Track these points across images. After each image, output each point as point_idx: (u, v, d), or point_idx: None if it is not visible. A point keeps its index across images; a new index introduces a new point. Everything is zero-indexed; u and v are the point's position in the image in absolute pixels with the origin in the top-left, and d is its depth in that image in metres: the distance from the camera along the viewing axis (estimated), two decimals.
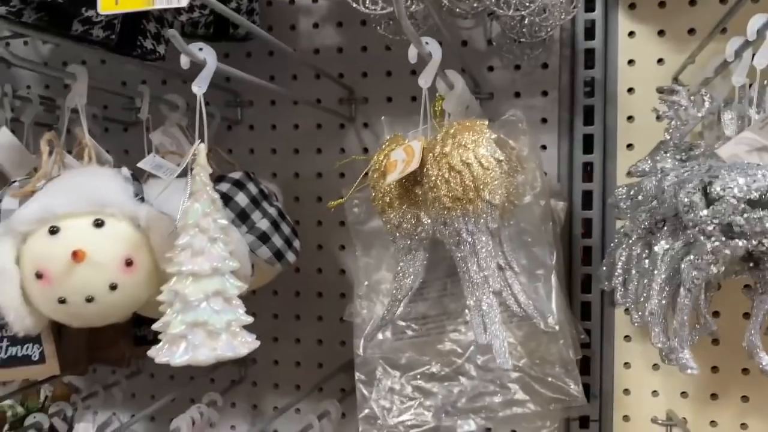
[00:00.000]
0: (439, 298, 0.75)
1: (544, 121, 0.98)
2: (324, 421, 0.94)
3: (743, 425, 0.95)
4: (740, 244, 0.52)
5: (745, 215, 0.51)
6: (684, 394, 0.97)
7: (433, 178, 0.61)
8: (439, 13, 0.76)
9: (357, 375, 0.77)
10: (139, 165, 0.78)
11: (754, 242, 0.51)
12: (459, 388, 0.73)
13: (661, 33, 0.94)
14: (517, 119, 0.76)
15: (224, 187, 0.86)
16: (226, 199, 0.84)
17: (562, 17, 0.78)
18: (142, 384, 1.19)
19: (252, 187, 0.89)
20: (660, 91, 0.74)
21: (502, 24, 0.92)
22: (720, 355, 0.95)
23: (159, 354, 0.58)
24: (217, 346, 0.58)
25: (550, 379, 0.72)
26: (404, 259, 0.67)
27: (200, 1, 0.70)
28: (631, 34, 0.95)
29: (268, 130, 1.11)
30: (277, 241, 0.87)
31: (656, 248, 0.58)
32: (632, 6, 0.95)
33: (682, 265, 0.55)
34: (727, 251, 0.52)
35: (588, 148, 0.96)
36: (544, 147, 0.99)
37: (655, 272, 0.58)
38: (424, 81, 0.64)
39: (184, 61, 0.60)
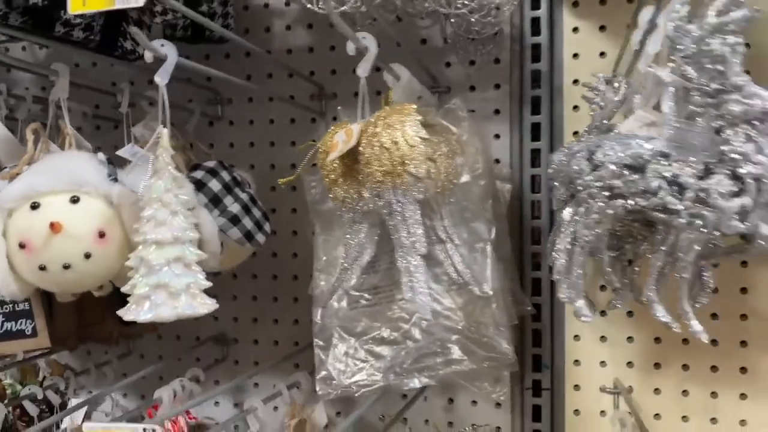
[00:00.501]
0: (388, 270, 0.82)
1: (497, 112, 1.06)
2: (294, 391, 1.02)
3: (684, 392, 1.01)
4: (618, 203, 0.59)
5: (623, 178, 0.58)
6: (630, 364, 1.03)
7: (367, 155, 0.69)
8: (381, 14, 0.83)
9: (315, 341, 0.84)
10: (118, 153, 0.86)
11: (631, 202, 0.59)
12: (405, 351, 0.81)
13: (602, 28, 1.02)
14: (457, 107, 0.84)
15: (199, 174, 0.95)
16: (200, 185, 0.93)
17: (498, 15, 0.86)
18: (133, 364, 1.27)
19: (225, 175, 0.97)
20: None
21: (453, 23, 1.00)
22: (662, 326, 1.01)
23: (127, 312, 0.66)
24: (178, 305, 0.66)
25: (485, 339, 0.79)
26: (350, 231, 0.75)
27: (169, 6, 0.78)
28: (575, 29, 1.02)
29: (246, 125, 1.20)
30: (247, 223, 0.95)
31: (563, 215, 0.66)
32: (576, 4, 1.02)
33: (576, 226, 0.62)
34: (609, 210, 0.60)
35: (536, 136, 1.03)
36: (497, 136, 1.07)
37: (561, 236, 0.65)
38: (361, 71, 0.72)
39: (148, 56, 0.68)
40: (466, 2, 0.84)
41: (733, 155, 0.54)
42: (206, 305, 0.69)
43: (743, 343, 0.99)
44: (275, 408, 1.15)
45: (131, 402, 1.28)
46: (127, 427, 0.63)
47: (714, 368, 1.00)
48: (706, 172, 0.56)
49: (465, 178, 0.80)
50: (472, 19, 0.89)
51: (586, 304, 0.67)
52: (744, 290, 0.98)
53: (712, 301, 0.98)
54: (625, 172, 0.58)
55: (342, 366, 0.82)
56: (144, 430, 0.62)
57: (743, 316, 0.98)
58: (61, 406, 1.12)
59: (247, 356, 1.22)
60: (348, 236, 0.76)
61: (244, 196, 0.97)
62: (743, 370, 0.99)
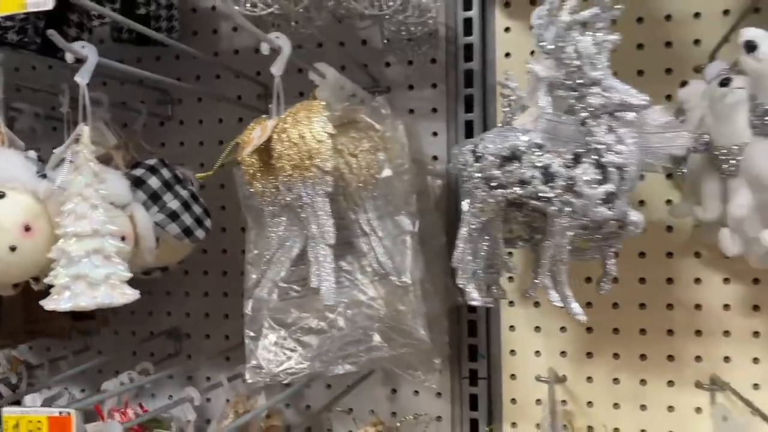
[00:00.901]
0: None
1: (435, 110, 1.10)
2: (235, 382, 1.05)
3: (615, 380, 1.05)
4: (499, 192, 0.62)
5: (501, 169, 0.62)
6: (563, 353, 1.07)
7: (278, 150, 0.72)
8: (314, 15, 0.87)
9: (246, 332, 0.87)
10: (55, 151, 0.89)
11: (510, 190, 0.62)
12: (330, 339, 0.84)
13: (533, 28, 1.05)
14: (380, 105, 0.87)
15: (138, 171, 0.98)
16: (139, 182, 0.96)
17: (423, 16, 0.89)
18: (89, 359, 1.29)
19: (165, 172, 1.00)
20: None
21: (389, 25, 1.03)
22: (593, 316, 1.04)
23: (48, 302, 0.69)
24: (97, 295, 0.69)
25: (404, 327, 0.82)
26: (271, 223, 0.78)
27: (88, 8, 0.81)
28: (507, 29, 1.06)
29: (196, 124, 1.23)
30: (186, 219, 0.98)
31: (462, 206, 0.69)
32: (507, 4, 1.06)
33: (465, 215, 0.66)
34: (491, 199, 0.63)
35: (469, 133, 1.06)
36: (435, 134, 1.10)
37: (461, 226, 0.68)
38: (275, 70, 0.75)
39: (69, 57, 0.71)
40: (390, 4, 0.87)
41: (596, 145, 0.57)
42: (126, 295, 0.72)
43: (670, 332, 1.02)
44: (227, 400, 1.18)
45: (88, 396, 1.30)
46: (44, 410, 0.65)
47: (643, 356, 1.04)
48: (575, 162, 0.59)
49: (387, 172, 0.83)
50: (400, 18, 0.92)
51: (477, 289, 0.70)
52: (670, 281, 1.02)
53: (640, 292, 1.03)
54: (503, 162, 0.61)
55: (271, 355, 0.85)
56: (60, 413, 0.65)
57: (669, 306, 1.02)
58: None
59: (199, 350, 1.25)
60: (269, 229, 0.79)
61: (184, 193, 1.00)
62: (670, 357, 1.02)
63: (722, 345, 1.00)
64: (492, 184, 0.63)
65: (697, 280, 1.00)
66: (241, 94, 1.18)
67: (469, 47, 1.06)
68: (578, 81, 0.56)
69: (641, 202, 1.01)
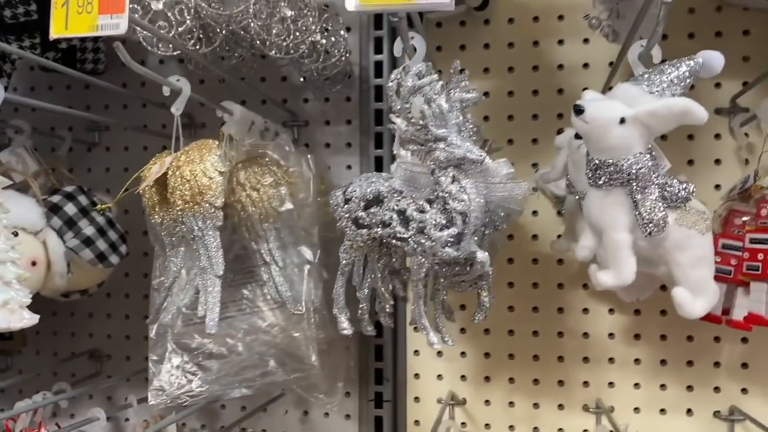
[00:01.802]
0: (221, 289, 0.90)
1: (349, 145, 1.16)
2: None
3: (511, 403, 1.11)
4: (364, 232, 0.69)
5: (366, 211, 0.68)
6: (463, 377, 1.13)
7: (172, 185, 0.77)
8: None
9: (150, 355, 0.91)
10: None
11: (373, 230, 0.68)
12: (230, 364, 0.88)
13: (439, 72, 1.12)
14: (284, 143, 0.93)
15: (56, 198, 1.02)
16: (56, 209, 1.00)
17: (327, 60, 0.95)
18: (9, 379, 1.31)
19: (83, 199, 1.04)
20: None
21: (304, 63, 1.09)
22: (491, 343, 1.11)
23: None
24: None
25: (297, 353, 0.87)
26: (171, 253, 0.83)
27: None
28: (438, 48, 1.13)
29: (122, 151, 1.27)
30: (101, 245, 1.02)
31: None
32: (439, 24, 1.12)
33: (340, 252, 0.72)
34: (358, 238, 0.69)
35: (379, 167, 1.13)
36: (349, 167, 1.16)
37: (342, 262, 0.74)
38: (174, 109, 0.80)
39: None
40: (295, 50, 0.93)
41: (442, 194, 0.64)
42: (24, 320, 0.75)
43: (560, 359, 1.09)
44: (145, 421, 1.20)
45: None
46: None
47: (536, 381, 1.10)
48: (427, 207, 0.66)
49: (288, 206, 0.89)
50: (306, 62, 0.98)
51: (346, 320, 0.75)
52: (560, 310, 1.09)
53: (533, 320, 1.10)
54: (368, 205, 0.67)
55: (173, 378, 0.89)
56: None
57: (560, 334, 1.09)
58: None
59: (120, 371, 1.27)
60: (169, 258, 0.84)
61: (100, 220, 1.04)
62: (561, 382, 1.09)
63: (607, 371, 1.07)
64: (359, 223, 0.69)
65: (585, 310, 1.08)
66: (166, 123, 1.23)
67: (379, 88, 1.13)
68: (425, 137, 0.63)
69: (534, 236, 1.09)
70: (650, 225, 0.65)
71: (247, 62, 1.08)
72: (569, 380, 1.09)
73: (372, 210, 0.68)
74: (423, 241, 0.65)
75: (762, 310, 0.78)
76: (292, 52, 0.94)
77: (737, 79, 1.02)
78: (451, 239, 0.64)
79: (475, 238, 0.66)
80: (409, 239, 0.66)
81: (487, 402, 1.12)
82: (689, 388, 1.05)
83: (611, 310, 1.07)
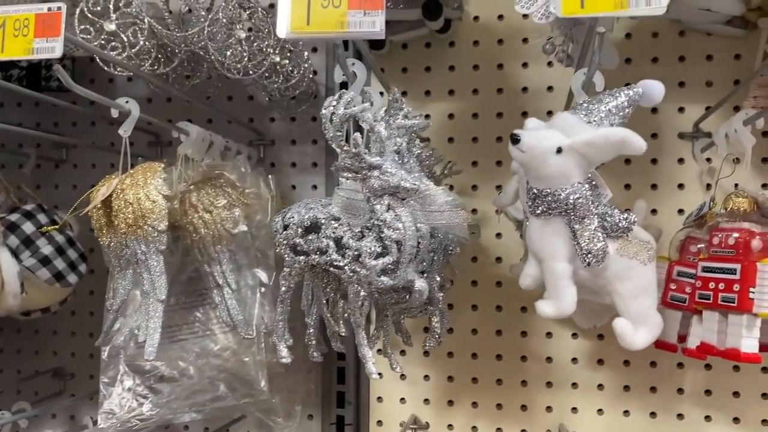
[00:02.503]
0: (173, 311, 0.90)
1: (315, 165, 1.16)
2: None
3: (474, 428, 1.10)
4: (301, 259, 0.68)
5: (304, 238, 0.67)
6: (426, 401, 1.12)
7: (116, 208, 0.76)
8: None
9: (101, 377, 0.90)
10: None
11: (311, 257, 0.68)
12: (180, 387, 0.87)
13: (404, 94, 1.12)
14: (241, 164, 0.92)
15: (14, 216, 1.01)
16: (13, 227, 0.99)
17: (290, 80, 0.95)
18: None
19: (42, 217, 1.03)
20: None
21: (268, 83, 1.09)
22: (454, 366, 1.10)
23: None
24: None
25: (247, 377, 0.86)
26: (119, 275, 0.82)
27: None
28: (381, 93, 1.12)
29: (89, 168, 1.26)
30: (59, 264, 1.02)
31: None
32: (382, 70, 1.13)
33: (280, 279, 0.71)
34: (297, 264, 0.68)
35: None
36: (315, 186, 1.16)
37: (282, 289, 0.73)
38: (122, 131, 0.80)
39: None
40: (254, 70, 0.93)
41: (377, 222, 0.63)
42: None
43: (523, 383, 1.08)
44: None
45: None
46: None
47: (499, 406, 1.09)
48: (362, 235, 0.65)
49: (242, 228, 0.88)
50: (265, 83, 0.98)
51: (285, 348, 0.74)
52: (524, 334, 1.08)
53: (496, 344, 1.09)
54: (305, 232, 0.67)
55: (125, 401, 0.88)
56: None
57: (523, 358, 1.08)
58: None
59: (83, 390, 1.26)
60: (117, 280, 0.83)
61: (60, 238, 1.04)
62: (524, 407, 1.08)
63: (570, 396, 1.06)
64: (297, 250, 0.68)
65: (549, 334, 1.07)
66: (133, 140, 1.22)
67: None
68: (359, 165, 0.62)
69: (498, 259, 1.08)
70: (589, 255, 0.65)
71: (213, 81, 1.08)
72: (532, 405, 1.08)
73: (310, 237, 0.67)
74: (358, 269, 0.64)
75: (714, 340, 0.77)
76: (251, 73, 0.94)
77: (700, 104, 1.02)
78: (387, 267, 0.63)
79: (420, 265, 0.66)
80: (345, 267, 0.65)
81: (450, 426, 1.11)
82: (653, 414, 1.04)
83: (575, 335, 1.06)
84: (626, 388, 1.04)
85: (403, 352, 1.12)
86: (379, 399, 1.13)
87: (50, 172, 1.27)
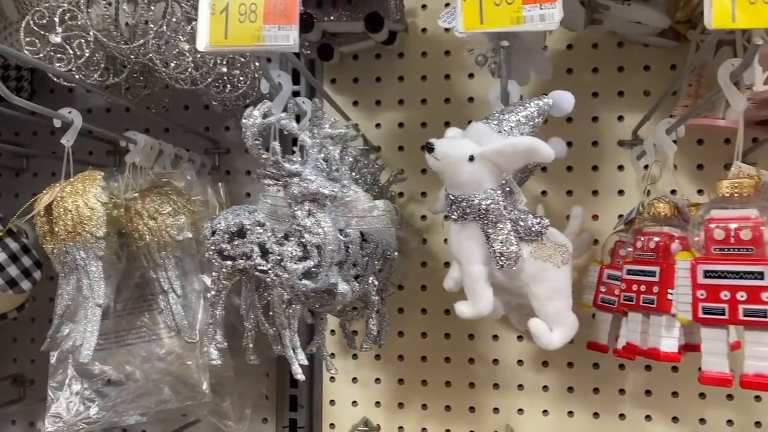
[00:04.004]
0: (120, 316, 0.92)
1: None
2: None
3: (424, 429, 1.12)
4: (228, 263, 0.70)
5: (231, 243, 0.70)
6: (378, 403, 1.14)
7: (56, 216, 0.78)
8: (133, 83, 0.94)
9: (50, 382, 0.92)
10: None
11: (237, 262, 0.70)
12: (127, 391, 0.89)
13: (355, 103, 1.15)
14: (187, 172, 0.95)
15: None
16: None
17: (234, 91, 0.98)
18: None
19: None
20: None
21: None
22: (404, 369, 1.13)
23: None
24: None
25: (190, 380, 0.88)
26: (63, 281, 0.84)
27: None
28: (355, 80, 1.15)
29: (49, 177, 1.28)
30: (12, 271, 1.03)
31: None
32: (333, 81, 1.16)
33: (210, 284, 0.73)
34: (224, 269, 0.71)
35: None
36: None
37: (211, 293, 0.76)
38: (65, 141, 0.82)
39: None
40: (202, 80, 0.95)
41: (298, 227, 0.66)
42: None
43: (471, 385, 1.11)
44: None
45: None
46: None
47: (448, 408, 1.11)
48: (285, 240, 0.68)
49: (186, 234, 0.90)
50: (213, 92, 1.00)
51: (215, 351, 0.76)
52: (471, 337, 1.11)
53: (445, 347, 1.12)
54: (232, 237, 0.69)
55: (72, 405, 0.90)
56: None
57: (471, 360, 1.11)
58: None
59: (43, 396, 1.27)
60: (62, 285, 0.85)
61: (14, 246, 1.05)
62: (472, 409, 1.11)
63: (517, 398, 1.09)
64: (224, 255, 0.71)
65: (495, 337, 1.10)
66: (93, 149, 1.25)
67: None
68: (279, 173, 0.65)
69: (446, 264, 1.11)
70: (502, 258, 0.67)
71: (168, 91, 1.10)
72: (480, 406, 1.10)
73: (236, 242, 0.70)
74: (281, 273, 0.66)
75: (637, 340, 0.80)
76: (199, 83, 0.96)
77: (639, 113, 1.05)
78: (310, 271, 0.65)
79: (354, 269, 0.69)
80: (269, 271, 0.68)
81: (401, 428, 1.13)
82: (596, 415, 1.06)
83: (520, 337, 1.09)
84: (570, 389, 1.07)
85: (355, 356, 1.14)
86: (332, 402, 1.15)
87: (11, 181, 1.29)
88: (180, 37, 0.89)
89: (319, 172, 0.66)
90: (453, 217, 0.69)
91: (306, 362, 0.76)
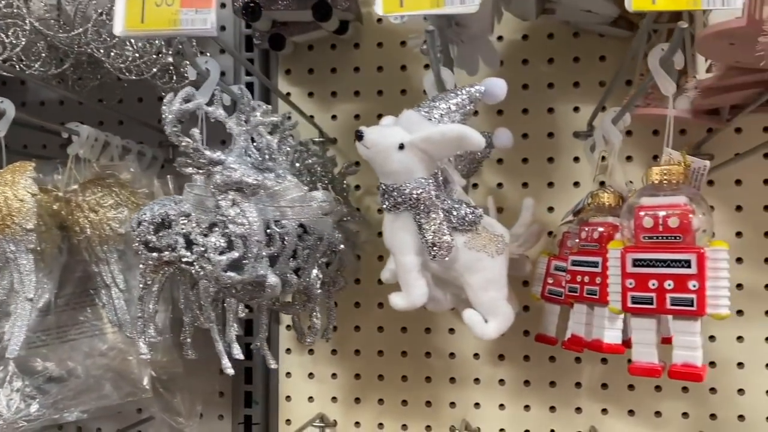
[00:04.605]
0: (62, 311, 0.90)
1: None
2: None
3: (380, 425, 1.11)
4: (154, 255, 0.69)
5: (156, 234, 0.68)
6: (334, 399, 1.12)
7: None
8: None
9: None
10: None
11: (163, 254, 0.68)
12: (68, 387, 0.87)
13: (311, 94, 1.14)
14: (131, 163, 0.93)
15: None
16: None
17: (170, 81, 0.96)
18: None
19: None
20: None
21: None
22: (361, 364, 1.11)
23: None
24: None
25: (131, 376, 0.87)
26: None
27: None
28: (288, 94, 1.14)
29: None
30: None
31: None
32: (288, 71, 1.14)
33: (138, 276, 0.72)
34: (150, 261, 0.69)
35: None
36: None
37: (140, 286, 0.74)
38: None
39: None
40: (147, 70, 0.93)
41: (222, 217, 0.64)
42: None
43: (428, 379, 1.09)
44: None
45: None
46: None
47: (404, 402, 1.10)
48: (210, 230, 0.66)
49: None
50: (159, 83, 0.98)
51: (144, 345, 0.75)
52: (428, 330, 1.09)
53: (401, 341, 1.10)
54: (158, 228, 0.68)
55: (12, 402, 0.88)
56: None
57: (427, 354, 1.09)
58: None
59: None
60: None
61: None
62: (428, 403, 1.09)
63: (473, 392, 1.08)
64: (150, 247, 0.69)
65: (451, 330, 1.08)
66: (46, 143, 1.22)
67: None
68: (201, 161, 0.64)
69: None
70: (434, 248, 0.66)
71: (121, 83, 1.08)
72: (436, 401, 1.09)
73: (161, 233, 0.68)
74: (205, 265, 0.65)
75: (582, 331, 0.79)
76: (144, 74, 0.94)
77: (595, 104, 1.04)
78: (235, 263, 0.64)
79: (293, 262, 0.67)
80: (194, 263, 0.66)
81: (357, 424, 1.12)
82: (552, 408, 1.05)
83: None
84: (526, 382, 1.06)
85: (311, 352, 1.13)
86: (288, 398, 1.14)
87: None
88: None
89: (245, 161, 0.65)
90: (385, 206, 0.67)
91: (241, 356, 0.74)
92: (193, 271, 0.67)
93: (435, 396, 1.09)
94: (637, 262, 0.59)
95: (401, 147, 0.64)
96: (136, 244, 0.69)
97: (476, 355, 1.08)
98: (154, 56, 0.93)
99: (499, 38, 1.07)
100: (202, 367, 1.03)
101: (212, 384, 1.08)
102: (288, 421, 1.14)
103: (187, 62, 0.95)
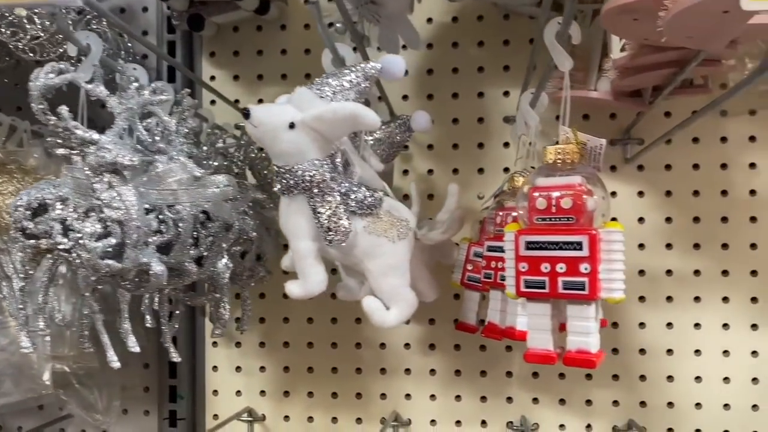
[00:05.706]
0: None
1: None
2: None
3: (310, 418, 1.08)
4: (31, 242, 0.65)
5: (33, 220, 0.64)
6: (263, 392, 1.09)
7: None
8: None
9: None
10: None
11: (40, 241, 0.65)
12: None
13: (236, 78, 1.10)
14: (36, 149, 0.88)
15: None
16: None
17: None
18: None
19: None
20: None
21: None
22: (290, 356, 1.08)
23: None
24: None
25: (31, 371, 0.82)
26: None
27: None
28: (212, 78, 1.10)
29: None
30: None
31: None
32: (213, 54, 1.10)
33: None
34: (29, 249, 0.65)
35: None
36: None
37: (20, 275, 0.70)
38: None
39: None
40: (54, 51, 0.89)
41: (97, 201, 0.61)
42: None
43: (358, 370, 1.07)
44: None
45: None
46: None
47: (334, 394, 1.08)
48: (86, 216, 0.63)
49: None
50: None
51: (26, 338, 0.71)
52: (358, 320, 1.07)
53: (331, 331, 1.08)
54: (34, 214, 0.64)
55: None
56: None
57: (358, 345, 1.07)
58: None
59: None
60: None
61: None
62: (359, 395, 1.07)
63: (404, 382, 1.06)
64: (26, 233, 0.65)
65: None
66: None
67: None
68: (75, 140, 0.60)
69: None
70: (330, 233, 0.63)
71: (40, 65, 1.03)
72: (367, 392, 1.07)
73: (37, 219, 0.64)
74: (81, 252, 0.61)
75: (497, 318, 0.77)
76: (51, 54, 0.90)
77: None
78: (111, 250, 0.60)
79: (194, 250, 0.64)
80: (71, 251, 0.62)
81: (286, 417, 1.09)
82: (483, 398, 1.04)
83: (407, 320, 1.05)
84: (457, 372, 1.04)
85: (238, 344, 1.10)
86: (215, 392, 1.10)
87: None
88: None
89: (124, 142, 0.61)
90: (278, 189, 0.64)
91: (138, 349, 0.71)
92: (70, 259, 0.63)
93: (365, 387, 1.07)
94: (530, 245, 0.57)
95: (291, 126, 0.61)
96: (13, 231, 0.65)
97: (407, 345, 1.06)
98: (60, 36, 0.88)
99: (429, 20, 1.04)
100: (129, 362, 0.99)
101: (135, 379, 1.04)
102: (215, 416, 1.10)
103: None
